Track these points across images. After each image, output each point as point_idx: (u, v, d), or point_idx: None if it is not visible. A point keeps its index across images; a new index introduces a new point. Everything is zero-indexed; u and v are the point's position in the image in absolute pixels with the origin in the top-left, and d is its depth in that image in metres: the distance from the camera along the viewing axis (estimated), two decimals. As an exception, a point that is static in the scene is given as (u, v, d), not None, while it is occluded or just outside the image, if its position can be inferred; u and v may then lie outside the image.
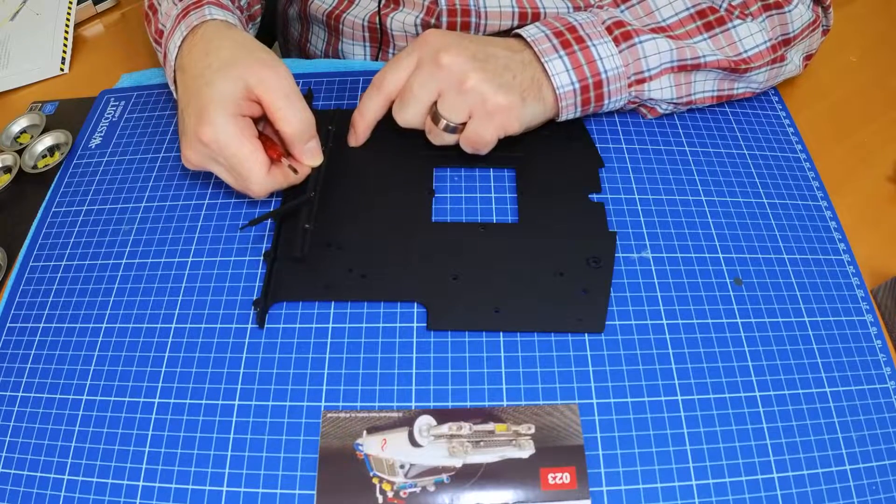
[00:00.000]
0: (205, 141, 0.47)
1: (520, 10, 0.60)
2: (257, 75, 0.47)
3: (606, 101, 0.53)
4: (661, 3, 0.54)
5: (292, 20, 0.76)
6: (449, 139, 0.51)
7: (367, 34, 0.66)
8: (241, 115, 0.48)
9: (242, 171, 0.48)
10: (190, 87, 0.49)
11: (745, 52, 0.54)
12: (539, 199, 0.52)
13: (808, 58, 0.61)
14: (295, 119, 0.48)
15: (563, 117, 0.53)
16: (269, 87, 0.47)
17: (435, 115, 0.50)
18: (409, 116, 0.51)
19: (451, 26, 0.61)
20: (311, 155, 0.51)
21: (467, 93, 0.49)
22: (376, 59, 0.68)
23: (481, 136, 0.50)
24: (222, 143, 0.47)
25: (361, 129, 0.54)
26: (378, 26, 0.65)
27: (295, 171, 0.50)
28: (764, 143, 0.57)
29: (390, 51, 0.67)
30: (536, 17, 0.60)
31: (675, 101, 0.55)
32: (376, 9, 0.64)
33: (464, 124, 0.50)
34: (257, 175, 0.48)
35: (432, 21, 0.62)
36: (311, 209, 0.50)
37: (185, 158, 0.49)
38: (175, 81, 0.52)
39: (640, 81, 0.53)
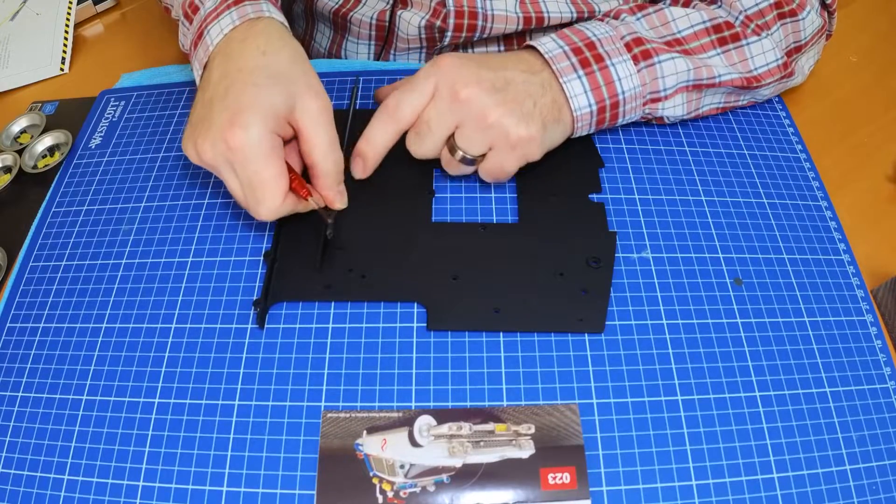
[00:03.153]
0: (232, 145, 0.42)
1: (524, 16, 0.60)
2: (308, 102, 0.44)
3: (620, 120, 0.53)
4: (678, 13, 0.53)
5: (297, 17, 0.76)
6: (466, 170, 0.51)
7: (373, 32, 0.66)
8: (277, 134, 0.44)
9: (258, 192, 0.44)
10: (232, 78, 0.44)
11: (756, 69, 0.54)
12: (539, 199, 0.52)
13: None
14: (336, 161, 0.46)
15: (576, 135, 0.53)
16: (315, 119, 0.45)
17: (452, 147, 0.49)
18: (426, 150, 0.50)
19: (458, 28, 0.61)
20: (341, 199, 0.48)
21: (489, 128, 0.47)
22: (378, 59, 0.68)
23: (503, 168, 0.49)
24: (249, 156, 0.43)
25: (372, 160, 0.50)
26: (387, 24, 0.65)
27: (320, 205, 0.47)
28: (764, 143, 0.57)
29: (391, 51, 0.67)
30: (541, 21, 0.60)
31: (685, 116, 0.55)
32: (388, 6, 0.64)
33: (482, 155, 0.49)
34: (272, 202, 0.44)
35: (437, 23, 0.61)
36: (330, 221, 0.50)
37: (198, 152, 0.44)
38: (205, 66, 0.48)
39: (655, 101, 0.52)
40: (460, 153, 0.49)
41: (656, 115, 0.54)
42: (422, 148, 0.50)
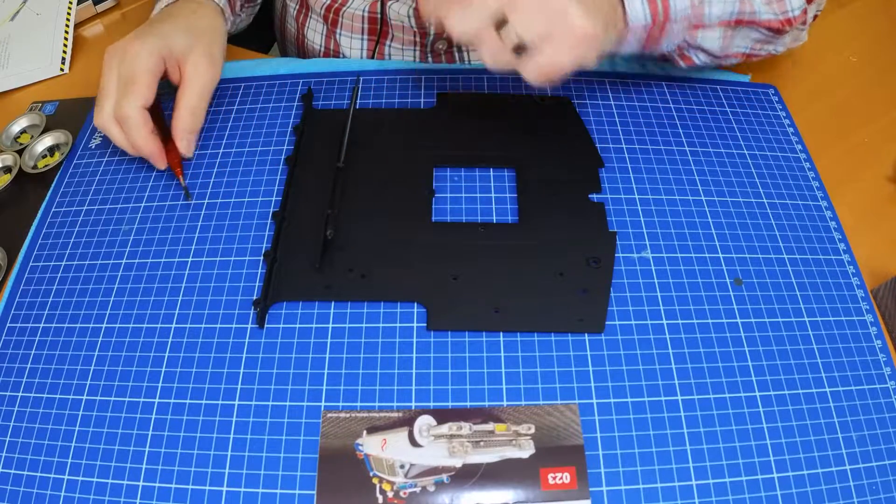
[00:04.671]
0: (128, 50, 0.52)
1: None
2: (198, 60, 0.54)
3: (663, 41, 0.51)
4: None
5: (289, 17, 0.76)
6: (512, 63, 0.43)
7: (366, 25, 0.67)
8: (162, 62, 0.53)
9: (130, 86, 0.51)
10: (161, 18, 0.56)
11: (791, 10, 0.53)
12: (539, 199, 0.52)
13: (814, 18, 0.61)
14: (193, 112, 0.54)
15: (622, 51, 0.51)
16: (195, 72, 0.54)
17: (502, 29, 0.42)
18: (468, 25, 0.42)
19: None
20: (186, 146, 0.54)
21: (553, 13, 0.41)
22: (373, 55, 0.68)
23: (558, 64, 0.43)
24: (136, 57, 0.52)
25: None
26: (379, 16, 0.65)
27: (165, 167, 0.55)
28: (764, 143, 0.57)
29: (387, 42, 0.67)
30: None
31: (716, 53, 0.54)
32: None
33: (525, 50, 0.43)
34: (137, 97, 0.51)
35: None
36: (330, 218, 0.50)
37: (107, 50, 0.54)
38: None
39: (697, 27, 0.51)
40: (514, 37, 0.42)
41: (694, 43, 0.53)
42: (464, 22, 0.42)
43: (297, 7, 0.73)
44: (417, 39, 0.66)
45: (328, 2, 0.67)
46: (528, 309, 0.46)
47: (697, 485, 0.40)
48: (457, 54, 0.66)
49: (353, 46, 0.69)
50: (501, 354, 0.45)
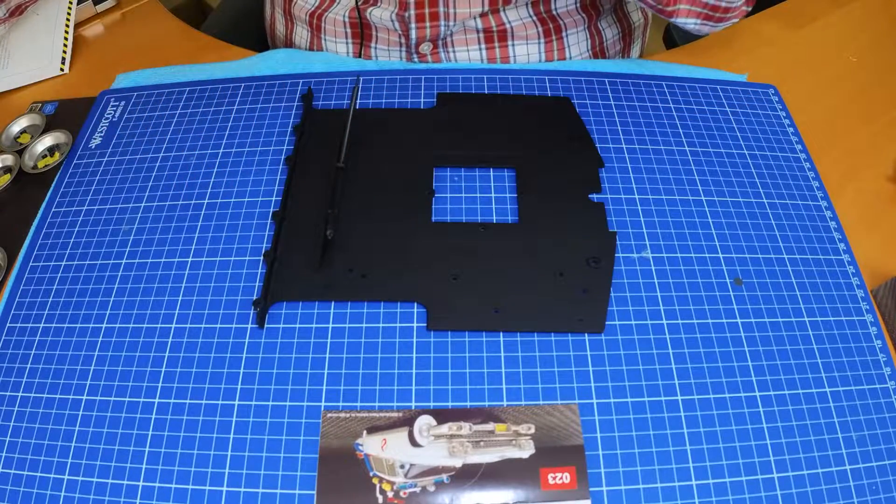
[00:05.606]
0: None
1: None
2: None
3: None
4: None
5: (277, 22, 0.77)
6: None
7: (348, 29, 0.67)
8: None
9: None
10: None
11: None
12: (539, 199, 0.52)
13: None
14: None
15: None
16: None
17: None
18: None
19: (420, 18, 0.62)
20: None
21: None
22: (359, 56, 0.69)
23: None
24: None
25: None
26: (358, 20, 0.66)
27: None
28: (764, 143, 0.57)
29: (372, 44, 0.67)
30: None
31: None
32: (354, 3, 0.65)
33: None
34: None
35: (405, 14, 0.63)
36: (331, 217, 0.50)
37: None
38: None
39: None
40: None
41: None
42: None
43: (283, 17, 0.74)
44: (402, 41, 0.66)
45: (311, 9, 0.68)
46: (528, 309, 0.46)
47: (697, 485, 0.40)
48: (443, 55, 0.66)
49: (339, 50, 0.69)
50: (501, 354, 0.45)
